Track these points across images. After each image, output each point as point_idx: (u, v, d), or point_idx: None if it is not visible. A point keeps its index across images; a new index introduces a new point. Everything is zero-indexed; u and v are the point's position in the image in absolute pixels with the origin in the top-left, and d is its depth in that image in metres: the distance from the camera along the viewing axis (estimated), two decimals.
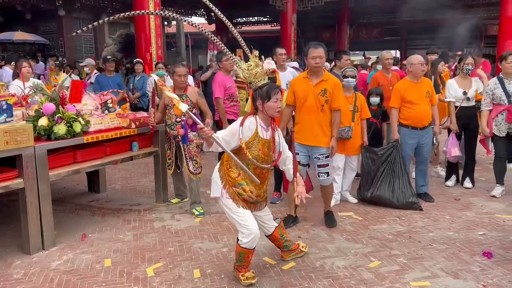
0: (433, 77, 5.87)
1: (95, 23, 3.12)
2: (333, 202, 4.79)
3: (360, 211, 4.67)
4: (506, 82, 4.86)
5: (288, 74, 5.62)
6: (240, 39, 3.11)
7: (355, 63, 15.67)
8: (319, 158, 4.07)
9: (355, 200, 4.93)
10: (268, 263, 3.48)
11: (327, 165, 4.10)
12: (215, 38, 3.20)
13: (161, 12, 3.58)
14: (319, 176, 4.14)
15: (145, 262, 3.52)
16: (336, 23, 21.00)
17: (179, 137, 4.52)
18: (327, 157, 4.08)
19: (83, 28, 3.24)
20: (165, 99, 4.55)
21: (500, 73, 5.00)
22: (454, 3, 14.16)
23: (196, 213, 4.55)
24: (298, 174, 3.22)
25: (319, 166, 4.09)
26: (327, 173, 4.11)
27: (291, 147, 3.44)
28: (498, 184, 5.14)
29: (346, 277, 3.22)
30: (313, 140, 4.03)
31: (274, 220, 3.43)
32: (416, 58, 4.84)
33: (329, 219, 4.25)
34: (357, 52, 25.50)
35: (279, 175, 4.85)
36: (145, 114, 4.90)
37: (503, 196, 5.05)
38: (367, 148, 4.87)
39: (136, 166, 6.71)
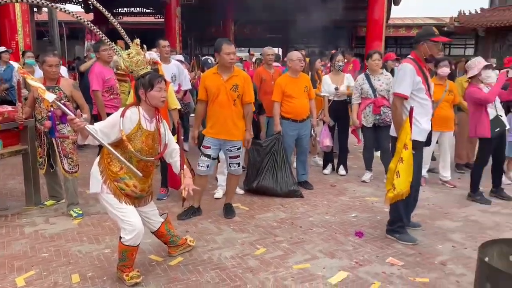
0: (310, 73, 6.28)
1: None
2: (221, 193, 4.87)
3: (246, 201, 4.79)
4: (372, 78, 5.39)
5: (172, 67, 5.51)
6: (120, 29, 2.98)
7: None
8: (231, 150, 4.18)
9: (241, 191, 5.05)
10: (154, 260, 3.37)
11: (238, 156, 4.23)
12: (92, 26, 2.99)
13: None
14: (230, 167, 4.26)
15: (14, 272, 3.15)
16: (221, 19, 21.22)
17: (47, 130, 4.12)
18: (238, 149, 4.20)
19: None
20: (34, 92, 4.12)
21: (367, 69, 5.53)
22: (329, 5, 15.26)
23: (74, 214, 4.22)
24: (185, 167, 3.17)
25: (231, 157, 4.21)
26: (239, 163, 4.25)
27: (178, 139, 3.39)
28: (367, 171, 5.69)
29: (234, 266, 3.27)
30: (227, 134, 4.11)
31: (161, 215, 3.34)
32: (295, 55, 5.12)
33: (229, 210, 4.34)
34: (242, 48, 26.14)
35: (167, 170, 4.74)
36: (9, 108, 4.38)
37: (372, 181, 5.60)
38: (252, 140, 5.00)
39: (1, 168, 5.97)
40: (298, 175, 5.35)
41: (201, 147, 4.24)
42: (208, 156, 4.16)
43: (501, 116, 4.73)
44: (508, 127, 4.87)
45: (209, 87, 4.10)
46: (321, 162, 6.29)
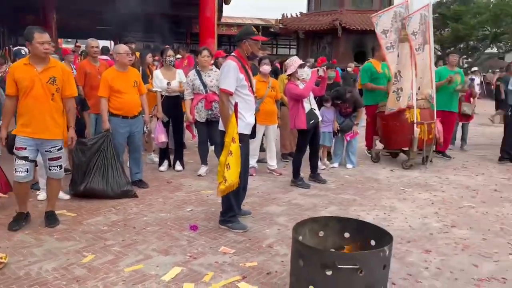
0: (141, 68, 6.09)
1: None
2: (44, 195, 4.42)
3: (73, 207, 4.40)
4: (203, 74, 5.50)
5: None
6: None
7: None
8: (50, 151, 3.77)
9: (67, 196, 4.62)
10: None
11: (60, 157, 3.85)
12: None
13: None
14: (50, 170, 3.84)
15: None
16: (41, 6, 19.02)
17: None
18: (59, 149, 3.82)
19: None
20: None
21: (197, 66, 5.62)
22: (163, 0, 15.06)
23: None
24: None
25: (50, 159, 3.80)
26: (60, 165, 3.88)
27: None
28: (202, 165, 5.81)
29: (57, 279, 2.96)
30: (45, 133, 3.70)
31: None
32: (122, 48, 4.91)
33: (51, 218, 3.92)
34: (69, 40, 24.05)
35: None
36: None
37: (208, 175, 5.74)
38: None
39: None
40: (132, 174, 5.15)
41: (14, 150, 3.72)
42: (25, 158, 3.68)
43: (315, 110, 5.34)
44: (321, 119, 5.55)
45: (20, 79, 3.63)
46: (157, 159, 6.19)
